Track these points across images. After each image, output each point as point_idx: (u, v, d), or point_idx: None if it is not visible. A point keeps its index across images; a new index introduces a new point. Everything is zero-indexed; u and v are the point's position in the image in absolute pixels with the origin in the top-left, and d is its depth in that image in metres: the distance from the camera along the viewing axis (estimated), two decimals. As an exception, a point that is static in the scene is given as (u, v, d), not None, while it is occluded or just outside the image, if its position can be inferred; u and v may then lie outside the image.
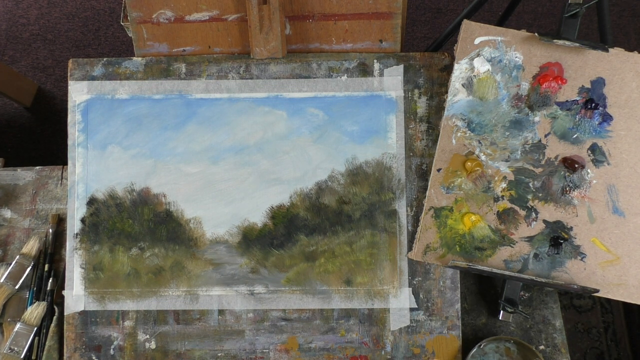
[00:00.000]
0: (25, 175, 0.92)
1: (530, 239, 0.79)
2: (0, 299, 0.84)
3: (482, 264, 0.79)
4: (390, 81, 0.83)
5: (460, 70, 0.80)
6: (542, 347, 0.83)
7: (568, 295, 1.51)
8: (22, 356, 0.81)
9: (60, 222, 0.89)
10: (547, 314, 0.84)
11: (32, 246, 0.86)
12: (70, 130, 0.84)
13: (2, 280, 0.85)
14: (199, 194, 0.83)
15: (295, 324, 0.82)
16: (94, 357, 0.82)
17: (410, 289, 0.81)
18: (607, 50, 0.77)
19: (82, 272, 0.82)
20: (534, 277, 0.77)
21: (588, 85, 0.79)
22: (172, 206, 0.83)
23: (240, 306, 0.82)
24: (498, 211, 0.80)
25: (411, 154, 0.82)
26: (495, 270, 0.78)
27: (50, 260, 0.87)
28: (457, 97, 0.80)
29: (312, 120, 0.83)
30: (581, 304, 1.52)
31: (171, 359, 0.82)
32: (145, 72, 0.85)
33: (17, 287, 0.85)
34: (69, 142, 0.84)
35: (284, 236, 0.82)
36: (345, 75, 0.84)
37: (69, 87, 0.85)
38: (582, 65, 0.79)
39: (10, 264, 0.86)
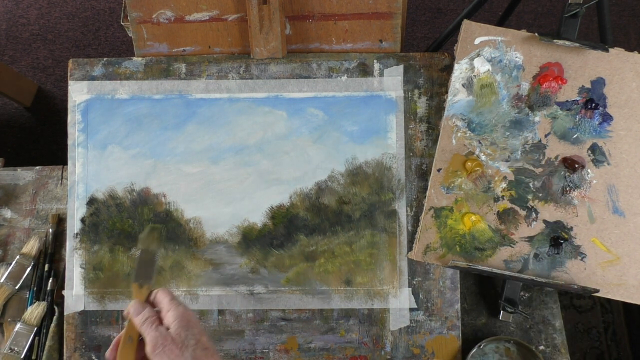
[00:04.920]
0: (25, 175, 0.92)
1: (530, 239, 0.79)
2: (1, 299, 0.84)
3: (482, 264, 0.79)
4: (390, 81, 0.83)
5: (460, 70, 0.80)
6: (542, 347, 0.83)
7: (568, 295, 1.51)
8: (22, 356, 0.81)
9: (60, 222, 0.89)
10: (547, 314, 0.84)
11: (32, 246, 0.86)
12: (70, 130, 0.84)
13: (2, 280, 0.85)
14: (199, 194, 0.83)
15: (295, 324, 0.82)
16: (94, 357, 0.82)
17: (410, 289, 0.81)
18: (607, 50, 0.77)
19: (82, 272, 0.82)
20: (534, 277, 0.77)
21: (588, 85, 0.79)
22: (172, 206, 0.83)
23: (240, 306, 0.82)
24: (498, 211, 0.80)
25: (411, 154, 0.82)
26: (495, 271, 0.78)
27: (50, 260, 0.87)
28: (457, 97, 0.80)
29: (312, 120, 0.83)
30: (581, 304, 1.52)
31: (171, 359, 0.82)
32: (145, 72, 0.84)
33: (17, 287, 0.85)
34: (69, 142, 0.84)
35: (284, 236, 0.82)
36: (345, 75, 0.84)
37: (69, 87, 0.85)
38: (582, 65, 0.79)
39: (11, 264, 0.86)
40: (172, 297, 0.62)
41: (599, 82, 0.79)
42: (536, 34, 0.78)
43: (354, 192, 0.82)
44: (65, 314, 0.82)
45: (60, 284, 0.86)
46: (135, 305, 0.63)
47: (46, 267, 0.86)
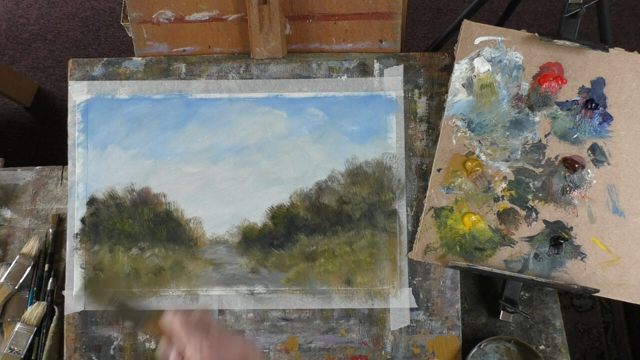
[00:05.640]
0: (25, 175, 0.92)
1: (530, 239, 0.79)
2: (0, 299, 0.84)
3: (482, 264, 0.79)
4: (390, 81, 0.83)
5: (460, 70, 0.80)
6: (542, 347, 0.83)
7: (568, 295, 1.51)
8: (22, 356, 0.81)
9: (60, 222, 0.89)
10: (547, 314, 0.84)
11: (32, 246, 0.86)
12: (70, 130, 0.84)
13: (2, 280, 0.85)
14: (199, 194, 0.83)
15: (295, 324, 0.82)
16: (94, 357, 0.82)
17: (410, 289, 0.81)
18: (607, 50, 0.77)
19: (82, 272, 0.82)
20: (534, 277, 0.77)
21: (588, 85, 0.79)
22: (172, 206, 0.83)
23: (240, 306, 0.82)
24: (498, 211, 0.80)
25: (411, 154, 0.82)
26: (495, 270, 0.78)
27: (50, 260, 0.87)
28: (457, 97, 0.80)
29: (312, 120, 0.83)
30: (581, 304, 1.52)
31: (171, 359, 0.82)
32: (145, 72, 0.84)
33: (17, 287, 0.85)
34: (69, 142, 0.84)
35: (284, 236, 0.82)
36: (345, 75, 0.84)
37: (69, 87, 0.85)
38: (582, 65, 0.79)
39: (10, 264, 0.86)
40: (178, 338, 0.58)
41: (599, 82, 0.79)
42: (536, 34, 0.78)
43: (354, 192, 0.82)
44: (65, 314, 0.82)
45: (60, 284, 0.86)
46: (162, 347, 0.59)
47: (46, 267, 0.86)
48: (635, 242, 0.78)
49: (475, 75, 0.80)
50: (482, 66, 0.80)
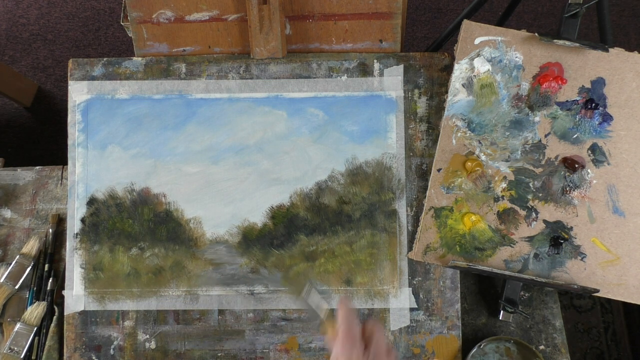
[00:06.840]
0: (25, 175, 0.92)
1: (530, 239, 0.79)
2: (0, 299, 0.84)
3: (482, 264, 0.79)
4: (390, 81, 0.83)
5: (460, 70, 0.80)
6: (542, 347, 0.83)
7: (568, 295, 1.51)
8: (22, 356, 0.81)
9: (60, 222, 0.89)
10: (547, 314, 0.84)
11: (32, 246, 0.86)
12: (70, 130, 0.84)
13: (2, 280, 0.85)
14: (199, 194, 0.83)
15: (295, 323, 0.82)
16: (94, 357, 0.82)
17: (410, 289, 0.81)
18: (607, 50, 0.77)
19: (82, 272, 0.82)
20: (534, 277, 0.77)
21: (588, 85, 0.79)
22: (172, 206, 0.83)
23: (240, 306, 0.82)
24: (498, 211, 0.80)
25: (411, 154, 0.82)
26: (495, 270, 0.78)
27: (50, 260, 0.87)
28: (457, 97, 0.80)
29: (312, 120, 0.83)
30: (581, 304, 1.52)
31: (171, 359, 0.82)
32: (145, 72, 0.84)
33: (17, 287, 0.85)
34: (69, 142, 0.84)
35: (284, 236, 0.82)
36: (345, 75, 0.84)
37: (69, 87, 0.85)
38: (582, 65, 0.79)
39: (10, 264, 0.86)
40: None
41: (599, 82, 0.79)
42: (536, 34, 0.78)
43: (354, 192, 0.82)
44: (65, 314, 0.82)
45: (60, 284, 0.86)
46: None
47: (46, 267, 0.86)
48: (635, 242, 0.78)
49: (475, 75, 0.80)
50: (482, 66, 0.80)
